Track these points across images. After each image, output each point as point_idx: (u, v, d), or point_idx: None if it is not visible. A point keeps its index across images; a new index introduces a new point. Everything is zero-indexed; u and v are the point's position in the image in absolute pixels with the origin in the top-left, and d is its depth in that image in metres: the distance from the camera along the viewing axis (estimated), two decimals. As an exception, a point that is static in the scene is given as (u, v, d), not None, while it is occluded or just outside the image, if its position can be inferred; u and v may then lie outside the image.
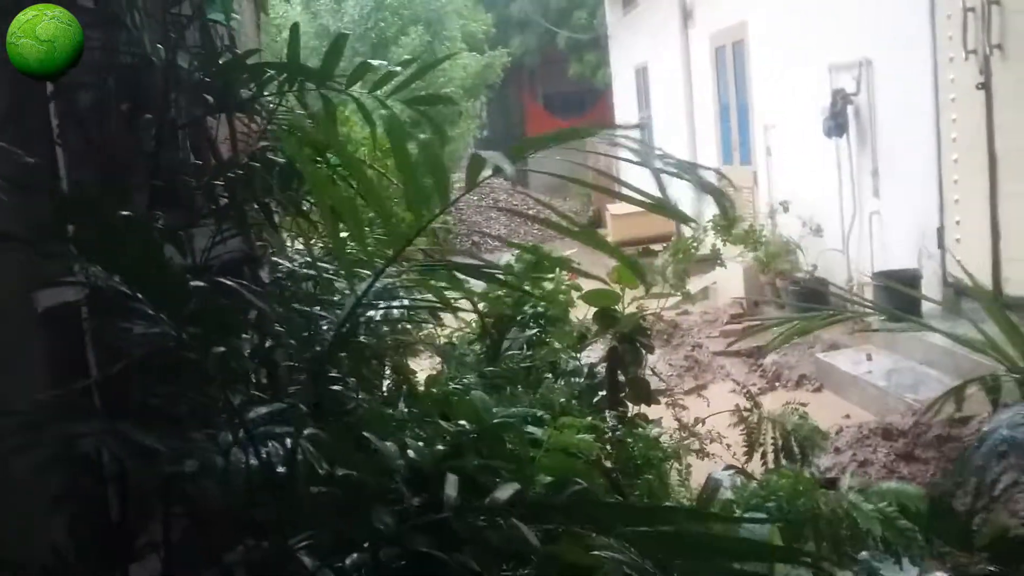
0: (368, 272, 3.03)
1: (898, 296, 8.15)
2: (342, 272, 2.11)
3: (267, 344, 2.29)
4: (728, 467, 4.08)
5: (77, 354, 2.43)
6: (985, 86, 6.94)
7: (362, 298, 1.69)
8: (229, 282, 1.96)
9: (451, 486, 1.70)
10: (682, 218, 1.71)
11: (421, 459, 1.89)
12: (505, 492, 1.64)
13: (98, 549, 2.15)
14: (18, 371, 2.13)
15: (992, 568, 1.50)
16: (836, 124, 8.92)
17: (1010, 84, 6.73)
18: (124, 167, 2.01)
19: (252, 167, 1.92)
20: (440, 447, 1.97)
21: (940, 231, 7.76)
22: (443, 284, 1.88)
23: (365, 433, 2.14)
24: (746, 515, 2.77)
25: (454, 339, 5.95)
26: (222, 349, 1.85)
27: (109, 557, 2.02)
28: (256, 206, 1.98)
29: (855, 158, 8.97)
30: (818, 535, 3.06)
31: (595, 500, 1.90)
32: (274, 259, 2.20)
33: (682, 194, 1.75)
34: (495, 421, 2.13)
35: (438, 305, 2.99)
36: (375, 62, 2.10)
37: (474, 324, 6.06)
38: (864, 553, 2.42)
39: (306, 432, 1.82)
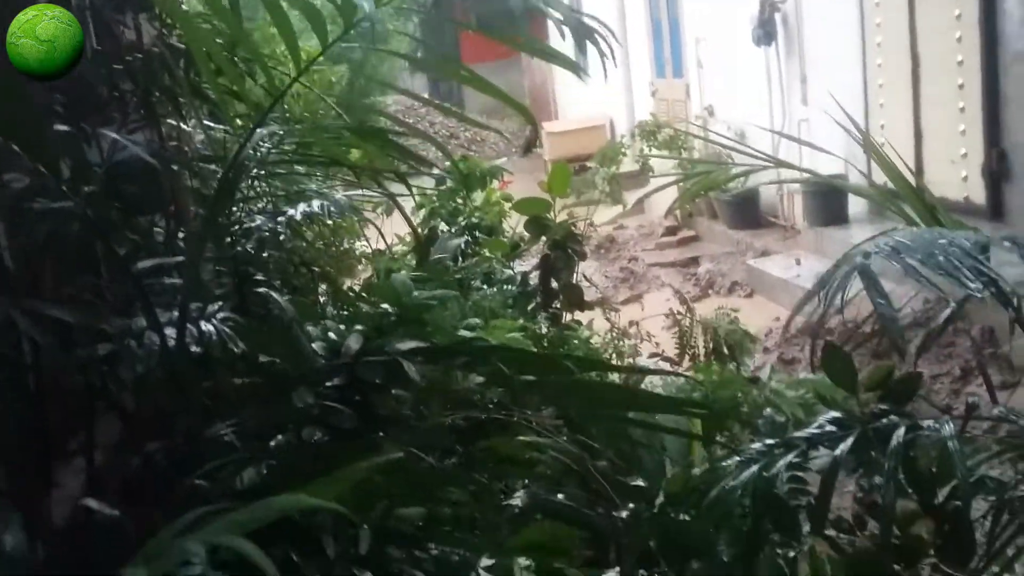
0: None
1: (825, 202, 8.33)
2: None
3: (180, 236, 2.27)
4: (652, 355, 4.17)
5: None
6: (909, -11, 7.01)
7: (246, 144, 1.67)
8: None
9: (354, 340, 1.72)
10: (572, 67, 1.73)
11: (340, 339, 1.91)
12: (406, 344, 1.67)
13: (22, 449, 2.15)
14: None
15: (882, 407, 1.58)
16: (764, 32, 8.95)
17: (932, -14, 6.80)
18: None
19: (153, 53, 1.88)
20: (359, 327, 1.99)
21: (866, 137, 7.88)
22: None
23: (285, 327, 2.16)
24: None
25: (388, 253, 5.94)
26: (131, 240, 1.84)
27: (33, 457, 2.02)
28: (160, 94, 1.95)
29: (783, 66, 9.03)
30: (741, 423, 3.17)
31: (503, 347, 1.94)
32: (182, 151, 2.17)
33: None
34: (414, 303, 2.15)
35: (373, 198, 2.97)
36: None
37: (408, 239, 6.07)
38: (768, 410, 2.52)
39: (220, 315, 1.83)
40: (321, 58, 1.94)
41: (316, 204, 2.71)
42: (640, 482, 2.66)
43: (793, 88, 8.99)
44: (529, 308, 5.24)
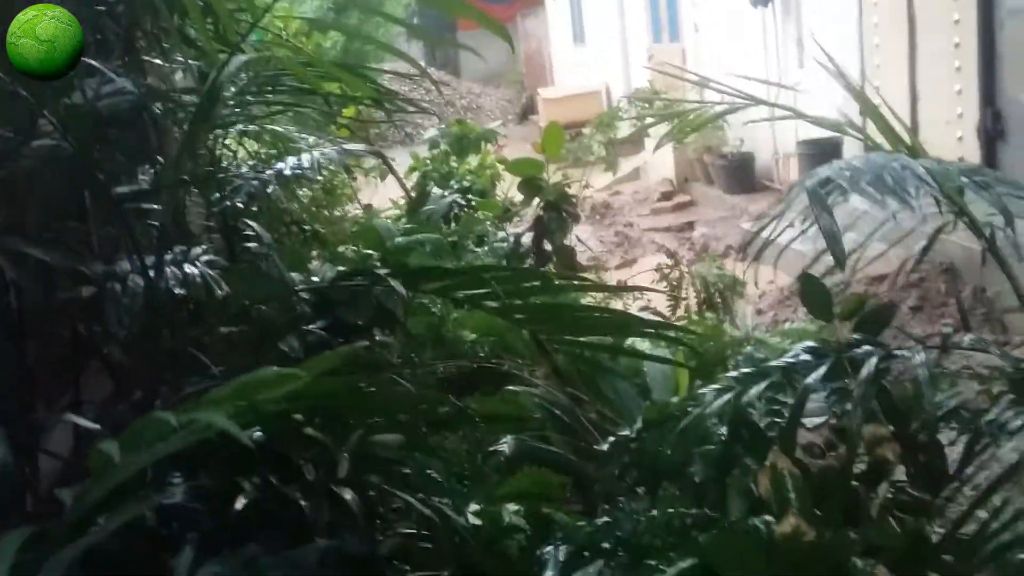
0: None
1: (821, 163, 8.30)
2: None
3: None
4: (643, 308, 4.18)
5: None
6: (905, -53, 6.95)
7: (223, 67, 1.66)
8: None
9: (328, 269, 1.73)
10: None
11: (322, 281, 1.91)
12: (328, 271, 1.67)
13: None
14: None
15: (855, 336, 1.59)
16: (761, -7, 8.90)
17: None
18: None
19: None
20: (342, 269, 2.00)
21: (862, 94, 7.85)
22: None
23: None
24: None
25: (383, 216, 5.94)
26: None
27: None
28: (143, 37, 1.94)
29: (780, 28, 8.98)
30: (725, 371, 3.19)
31: (489, 267, 1.93)
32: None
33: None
34: (397, 247, 2.16)
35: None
36: None
37: (401, 203, 6.07)
38: (749, 347, 2.53)
39: (204, 258, 1.83)
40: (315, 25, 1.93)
41: (307, 159, 2.71)
42: (627, 432, 2.68)
43: (789, 50, 8.94)
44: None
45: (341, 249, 3.34)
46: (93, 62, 1.76)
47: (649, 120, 10.10)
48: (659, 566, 1.33)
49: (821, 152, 8.25)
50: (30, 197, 1.66)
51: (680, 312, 5.08)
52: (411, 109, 2.07)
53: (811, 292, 1.79)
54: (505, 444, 2.50)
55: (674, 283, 5.23)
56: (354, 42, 14.31)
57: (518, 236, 5.49)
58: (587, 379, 3.13)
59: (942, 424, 1.48)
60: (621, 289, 3.72)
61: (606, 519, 1.52)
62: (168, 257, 1.80)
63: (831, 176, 1.57)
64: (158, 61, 2.05)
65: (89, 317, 2.00)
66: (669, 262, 6.40)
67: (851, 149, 8.10)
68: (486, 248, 4.94)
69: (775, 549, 1.30)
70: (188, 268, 1.79)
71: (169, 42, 1.96)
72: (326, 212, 5.50)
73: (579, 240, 5.77)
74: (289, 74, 1.81)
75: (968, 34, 6.26)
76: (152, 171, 2.02)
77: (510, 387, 2.93)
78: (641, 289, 3.79)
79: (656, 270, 5.32)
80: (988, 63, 6.14)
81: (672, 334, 1.76)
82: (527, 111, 18.01)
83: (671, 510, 1.44)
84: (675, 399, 2.08)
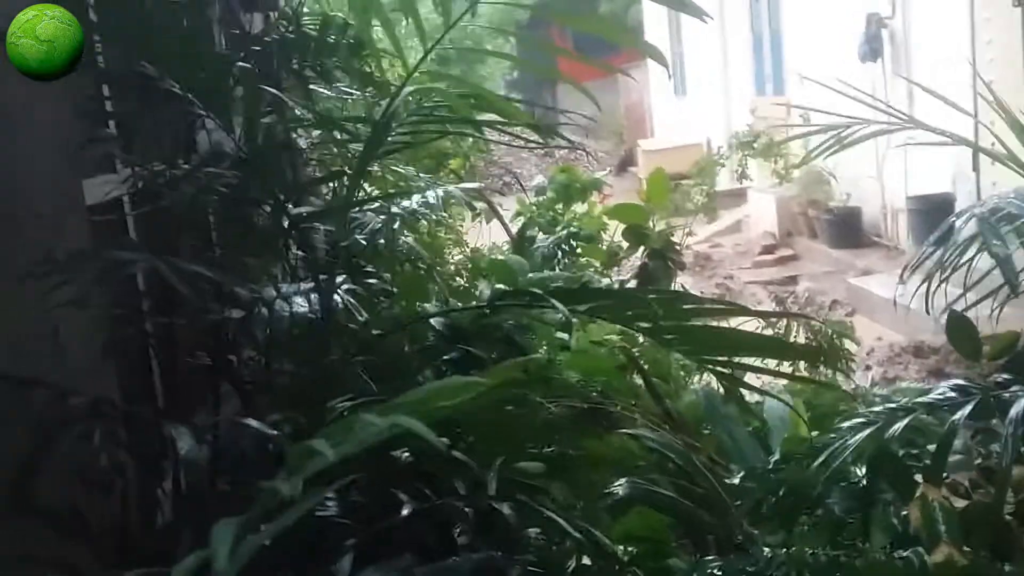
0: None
1: (931, 221, 8.12)
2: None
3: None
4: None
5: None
6: (1022, 3, 6.83)
7: (396, 96, 1.73)
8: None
9: (486, 287, 1.77)
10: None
11: (460, 316, 1.96)
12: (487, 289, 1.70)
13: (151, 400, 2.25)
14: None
15: (1006, 376, 1.56)
16: (871, 48, 8.81)
17: (1048, -1, 6.61)
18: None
19: (287, 37, 1.98)
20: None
21: (975, 153, 7.68)
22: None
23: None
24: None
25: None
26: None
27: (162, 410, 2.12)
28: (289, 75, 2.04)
29: (889, 82, 8.87)
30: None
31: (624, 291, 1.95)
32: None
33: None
34: (530, 282, 2.20)
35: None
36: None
37: (505, 247, 6.14)
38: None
39: (345, 287, 1.90)
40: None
41: (432, 196, 2.77)
42: (737, 480, 2.65)
43: (898, 105, 8.80)
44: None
45: (456, 280, 3.40)
46: (275, 91, 1.86)
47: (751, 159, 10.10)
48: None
49: (932, 208, 8.09)
50: (194, 221, 1.76)
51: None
52: (565, 137, 2.12)
53: (957, 329, 1.76)
54: (620, 486, 2.50)
55: (780, 331, 5.16)
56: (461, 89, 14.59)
57: (623, 283, 5.51)
58: (700, 423, 3.12)
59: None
60: (774, 315, 3.66)
61: (739, 555, 1.52)
62: (312, 285, 1.88)
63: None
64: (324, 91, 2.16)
65: (226, 339, 2.10)
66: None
67: (962, 205, 7.92)
68: (556, 271, 4.96)
69: None
70: (334, 297, 1.86)
71: (328, 75, 2.06)
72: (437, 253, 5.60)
73: (684, 288, 5.75)
74: (446, 104, 1.88)
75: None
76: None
77: (621, 430, 2.93)
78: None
79: (761, 316, 5.26)
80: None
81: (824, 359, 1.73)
82: (626, 163, 18.07)
83: (810, 548, 1.42)
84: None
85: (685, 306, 1.69)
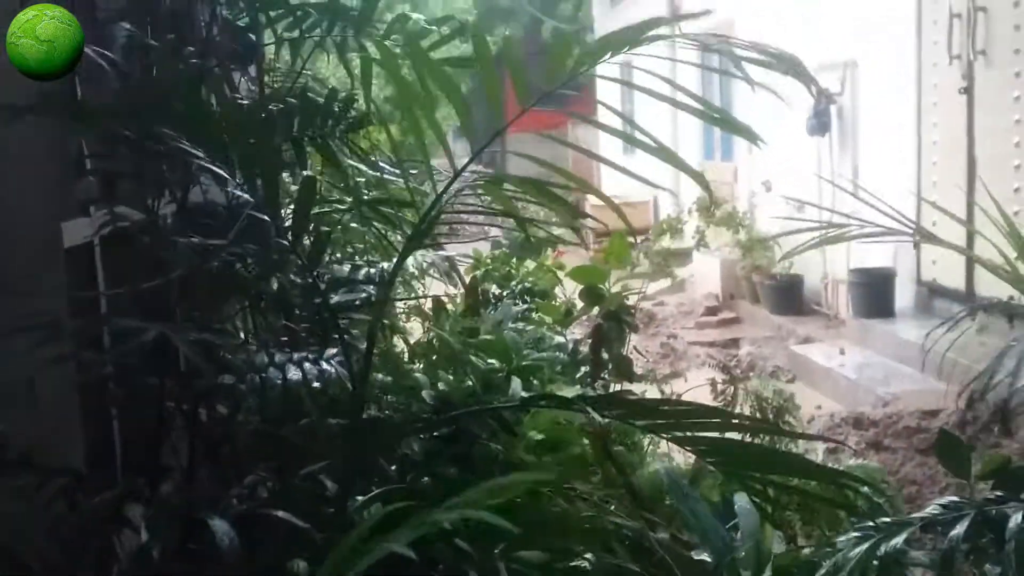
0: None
1: (872, 294, 8.35)
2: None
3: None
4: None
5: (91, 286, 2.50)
6: (968, 91, 7.11)
7: (445, 191, 1.74)
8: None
9: (516, 386, 1.78)
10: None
11: (451, 391, 1.97)
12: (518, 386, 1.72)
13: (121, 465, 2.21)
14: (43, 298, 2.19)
15: (996, 493, 1.61)
16: (819, 123, 9.08)
17: (992, 90, 6.89)
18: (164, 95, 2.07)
19: (291, 103, 1.98)
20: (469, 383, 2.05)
21: (917, 233, 7.92)
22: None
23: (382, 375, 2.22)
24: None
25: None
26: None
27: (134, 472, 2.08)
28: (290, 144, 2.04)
29: (836, 158, 9.13)
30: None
31: (633, 400, 1.97)
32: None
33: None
34: (525, 363, 2.22)
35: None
36: (413, 15, 2.17)
37: (458, 299, 6.15)
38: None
39: (337, 359, 1.89)
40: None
41: (412, 263, 2.77)
42: (705, 557, 2.67)
43: (844, 179, 9.07)
44: (577, 376, 5.28)
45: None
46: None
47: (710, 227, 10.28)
48: None
49: (872, 281, 8.32)
50: (189, 288, 1.75)
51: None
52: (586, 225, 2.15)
53: (948, 449, 1.81)
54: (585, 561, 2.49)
55: (728, 400, 5.25)
56: (408, 137, 14.65)
57: (576, 343, 5.55)
58: (661, 501, 3.14)
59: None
60: (800, 436, 3.69)
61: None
62: (305, 354, 1.87)
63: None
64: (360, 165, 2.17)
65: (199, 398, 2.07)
66: (718, 376, 6.40)
67: (902, 280, 8.16)
68: (547, 354, 4.99)
69: None
70: (325, 365, 1.86)
71: (324, 146, 2.07)
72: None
73: (637, 351, 5.81)
74: (483, 194, 1.91)
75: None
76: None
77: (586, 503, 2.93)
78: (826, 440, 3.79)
79: (711, 384, 5.34)
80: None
81: (845, 480, 1.74)
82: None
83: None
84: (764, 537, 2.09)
85: (711, 420, 1.72)
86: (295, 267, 1.82)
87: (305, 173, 1.85)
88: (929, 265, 7.78)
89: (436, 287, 6.28)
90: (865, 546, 1.52)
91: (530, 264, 6.87)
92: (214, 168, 1.67)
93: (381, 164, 2.17)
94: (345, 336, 2.35)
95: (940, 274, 7.58)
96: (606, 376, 5.23)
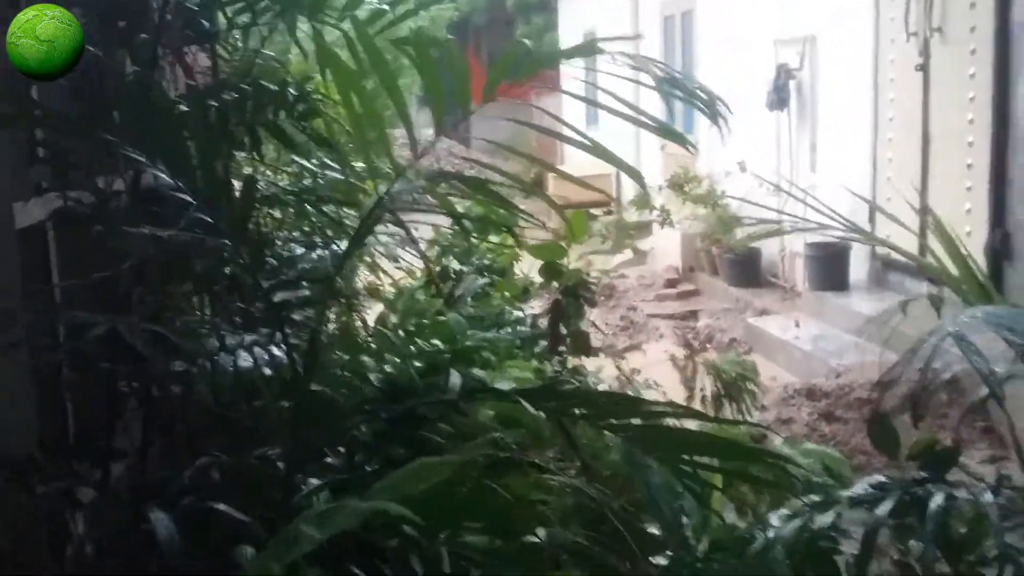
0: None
1: (827, 267, 8.49)
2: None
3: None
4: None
5: (44, 270, 2.50)
6: (923, 68, 7.20)
7: (388, 192, 1.77)
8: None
9: (455, 376, 1.82)
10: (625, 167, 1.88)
11: (399, 373, 2.01)
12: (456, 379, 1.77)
13: (73, 449, 2.23)
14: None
15: (922, 474, 1.68)
16: (779, 98, 9.16)
17: (948, 67, 6.99)
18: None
19: (244, 90, 2.00)
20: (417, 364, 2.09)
21: (871, 208, 8.05)
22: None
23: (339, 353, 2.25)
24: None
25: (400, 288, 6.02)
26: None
27: (87, 455, 2.10)
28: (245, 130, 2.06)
29: (795, 132, 9.23)
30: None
31: (565, 390, 2.03)
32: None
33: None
34: (469, 344, 2.26)
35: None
36: (366, -3, 2.18)
37: (418, 275, 6.17)
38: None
39: (291, 341, 1.92)
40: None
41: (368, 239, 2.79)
42: (655, 529, 2.74)
43: (802, 155, 9.18)
44: (535, 351, 5.34)
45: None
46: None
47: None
48: None
49: (828, 255, 8.45)
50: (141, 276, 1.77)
51: (696, 403, 5.18)
52: (523, 218, 2.19)
53: (880, 432, 1.88)
54: (542, 535, 2.55)
55: (689, 373, 5.35)
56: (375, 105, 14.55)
57: (535, 318, 5.60)
58: (616, 473, 3.20)
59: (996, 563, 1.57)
60: (723, 422, 3.76)
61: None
62: (255, 338, 1.90)
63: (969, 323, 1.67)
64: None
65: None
66: (676, 349, 6.51)
67: (857, 254, 8.30)
68: (506, 329, 5.03)
69: None
70: (276, 351, 1.89)
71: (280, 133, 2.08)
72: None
73: (594, 325, 5.88)
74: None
75: (981, 157, 6.48)
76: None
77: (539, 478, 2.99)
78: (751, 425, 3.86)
79: (672, 359, 5.44)
80: (999, 186, 6.34)
81: (773, 460, 1.82)
82: (536, 186, 18.24)
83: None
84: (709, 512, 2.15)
85: (649, 409, 1.77)
86: (241, 257, 1.84)
87: (246, 171, 1.87)
88: (882, 237, 7.91)
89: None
90: (795, 523, 1.59)
91: (491, 240, 6.90)
92: (156, 169, 1.69)
93: (326, 161, 2.19)
94: (296, 319, 2.39)
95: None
96: (564, 350, 5.30)
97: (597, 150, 1.84)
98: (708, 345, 8.60)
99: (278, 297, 1.90)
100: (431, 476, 1.13)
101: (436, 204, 2.80)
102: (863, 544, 1.55)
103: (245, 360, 1.83)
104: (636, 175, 1.94)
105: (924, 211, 7.38)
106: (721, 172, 10.61)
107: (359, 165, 2.19)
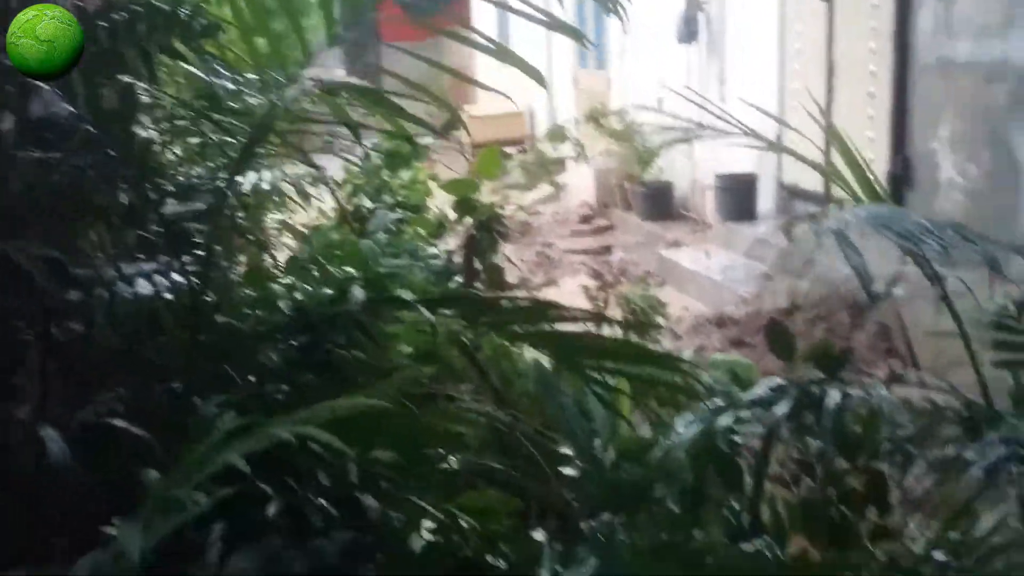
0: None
1: (736, 198, 8.64)
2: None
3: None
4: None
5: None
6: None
7: (277, 102, 1.73)
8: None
9: (358, 292, 1.81)
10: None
11: (307, 300, 1.98)
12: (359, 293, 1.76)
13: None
14: None
15: (819, 375, 1.74)
16: (688, 31, 9.20)
17: (850, -3, 7.10)
18: None
19: (136, 11, 1.92)
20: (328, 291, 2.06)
21: (779, 137, 8.19)
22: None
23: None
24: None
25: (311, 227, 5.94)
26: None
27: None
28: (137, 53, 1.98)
29: (704, 65, 9.30)
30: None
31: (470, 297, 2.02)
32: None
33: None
34: (383, 270, 2.23)
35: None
36: None
37: (331, 215, 6.10)
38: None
39: (190, 268, 1.88)
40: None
41: (267, 176, 2.74)
42: (568, 450, 2.79)
43: (711, 87, 9.25)
44: (450, 286, 5.33)
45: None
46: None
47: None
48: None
49: (736, 186, 8.60)
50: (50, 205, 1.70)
51: (607, 333, 5.26)
52: (426, 131, 2.17)
53: (777, 336, 1.94)
54: (454, 460, 2.58)
55: (601, 305, 5.42)
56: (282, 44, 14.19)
57: (449, 253, 5.59)
58: (528, 398, 3.24)
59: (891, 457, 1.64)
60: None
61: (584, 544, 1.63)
62: (155, 266, 1.85)
63: (850, 220, 1.70)
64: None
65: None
66: (591, 284, 6.59)
67: (765, 184, 8.46)
68: (421, 264, 5.02)
69: (785, 570, 1.42)
70: (176, 277, 1.84)
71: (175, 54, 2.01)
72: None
73: (508, 259, 5.90)
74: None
75: (883, 86, 6.63)
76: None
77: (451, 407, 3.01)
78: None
79: (585, 291, 5.50)
80: (900, 114, 6.51)
81: (681, 365, 1.88)
82: (449, 126, 18.09)
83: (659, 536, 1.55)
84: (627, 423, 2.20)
85: (559, 314, 1.79)
86: (130, 178, 1.79)
87: (125, 79, 1.81)
88: (789, 169, 8.07)
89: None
90: (697, 426, 1.63)
91: (404, 177, 6.84)
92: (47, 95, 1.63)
93: (218, 69, 2.12)
94: (197, 245, 2.34)
95: (800, 177, 7.87)
96: (479, 285, 5.31)
97: (500, 51, 1.82)
98: (622, 278, 8.72)
99: (168, 210, 1.85)
100: (345, 414, 1.14)
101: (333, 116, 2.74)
102: (763, 441, 1.61)
103: (144, 288, 1.79)
104: (536, 75, 1.92)
105: (829, 133, 7.56)
106: (633, 106, 10.64)
107: (252, 77, 2.13)
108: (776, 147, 4.09)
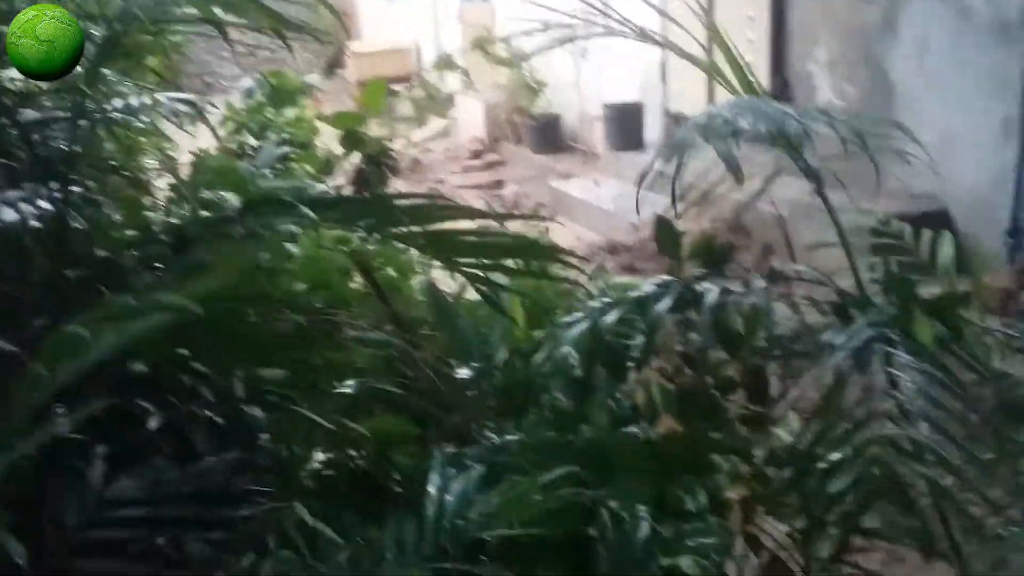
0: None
1: (623, 128, 8.72)
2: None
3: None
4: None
5: None
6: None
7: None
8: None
9: (232, 199, 1.76)
10: None
11: (185, 223, 1.93)
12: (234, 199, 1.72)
13: None
14: None
15: (701, 271, 1.79)
16: (570, -41, 9.16)
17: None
18: None
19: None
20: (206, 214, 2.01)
21: (663, 66, 8.27)
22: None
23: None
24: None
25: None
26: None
27: None
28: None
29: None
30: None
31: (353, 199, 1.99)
32: None
33: None
34: (262, 191, 2.18)
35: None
36: None
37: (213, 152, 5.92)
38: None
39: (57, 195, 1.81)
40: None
41: (135, 102, 2.63)
42: (465, 373, 2.81)
43: (596, 17, 9.26)
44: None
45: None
46: None
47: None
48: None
49: (624, 115, 8.69)
50: None
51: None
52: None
53: (664, 233, 1.98)
54: (349, 387, 2.57)
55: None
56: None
57: (339, 189, 5.50)
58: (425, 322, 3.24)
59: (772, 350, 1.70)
60: (512, 217, 3.81)
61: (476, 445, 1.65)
62: (21, 194, 1.77)
63: (721, 113, 1.73)
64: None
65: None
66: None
67: (651, 113, 8.56)
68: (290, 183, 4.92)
69: (654, 446, 1.47)
70: (43, 204, 1.77)
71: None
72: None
73: (399, 193, 5.85)
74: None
75: (762, 8, 6.74)
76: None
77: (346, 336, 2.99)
78: (527, 217, 3.91)
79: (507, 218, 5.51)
80: (778, 37, 6.65)
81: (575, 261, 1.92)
82: (334, 65, 17.70)
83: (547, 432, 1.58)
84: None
85: (423, 211, 1.77)
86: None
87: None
88: (675, 97, 8.18)
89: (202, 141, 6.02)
90: (584, 323, 1.67)
91: (289, 114, 6.68)
92: None
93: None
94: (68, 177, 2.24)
95: (685, 106, 7.99)
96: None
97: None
98: (515, 211, 8.74)
99: (24, 118, 1.77)
100: (192, 290, 1.11)
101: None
102: (646, 336, 1.65)
103: (10, 214, 1.71)
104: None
105: (710, 29, 7.68)
106: (519, 34, 10.55)
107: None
108: (667, 45, 4.12)
